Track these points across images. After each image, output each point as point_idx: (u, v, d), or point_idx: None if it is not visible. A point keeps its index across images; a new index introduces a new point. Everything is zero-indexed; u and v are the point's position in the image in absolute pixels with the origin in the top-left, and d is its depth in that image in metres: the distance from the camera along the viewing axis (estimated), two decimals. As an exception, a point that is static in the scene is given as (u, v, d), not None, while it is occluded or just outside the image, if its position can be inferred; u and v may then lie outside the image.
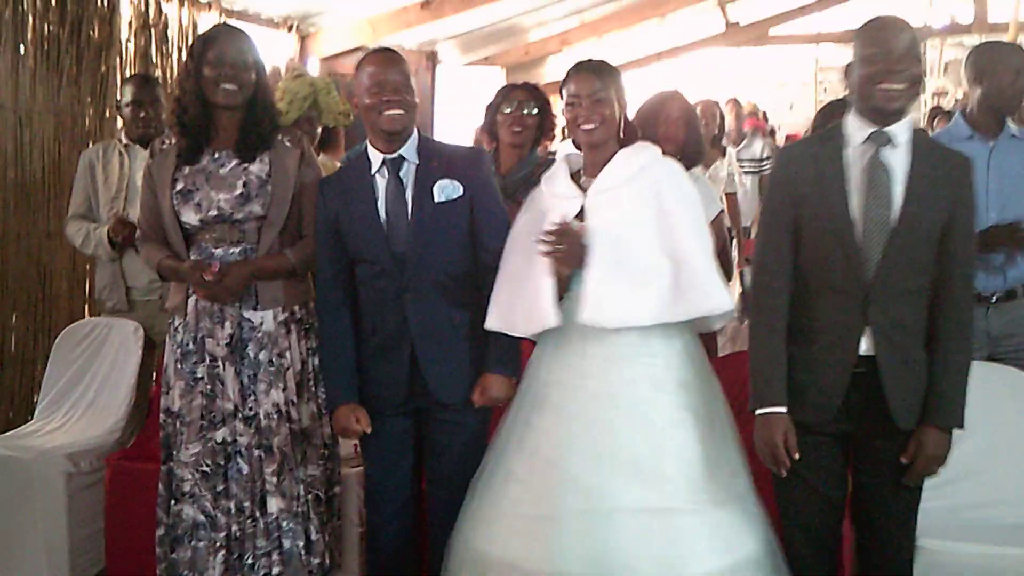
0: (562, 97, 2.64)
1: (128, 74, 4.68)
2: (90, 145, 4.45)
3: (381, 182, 2.77)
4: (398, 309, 2.74)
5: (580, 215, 2.58)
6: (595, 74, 2.59)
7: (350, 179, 2.83)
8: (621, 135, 2.65)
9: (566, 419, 2.53)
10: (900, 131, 2.37)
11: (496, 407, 2.79)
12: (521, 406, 2.65)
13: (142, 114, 3.90)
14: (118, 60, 4.74)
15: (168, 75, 5.03)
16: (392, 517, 2.90)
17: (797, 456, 2.40)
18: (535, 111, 3.59)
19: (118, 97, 4.50)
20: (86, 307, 4.57)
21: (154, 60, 4.98)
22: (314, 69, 6.54)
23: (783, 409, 2.41)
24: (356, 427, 2.80)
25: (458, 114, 8.47)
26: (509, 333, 2.67)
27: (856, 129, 2.40)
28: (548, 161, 3.45)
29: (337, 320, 2.84)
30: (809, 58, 12.56)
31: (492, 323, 2.68)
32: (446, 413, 2.78)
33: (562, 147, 4.43)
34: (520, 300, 2.61)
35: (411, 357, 2.75)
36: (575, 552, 2.38)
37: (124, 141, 3.96)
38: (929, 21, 10.49)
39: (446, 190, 2.74)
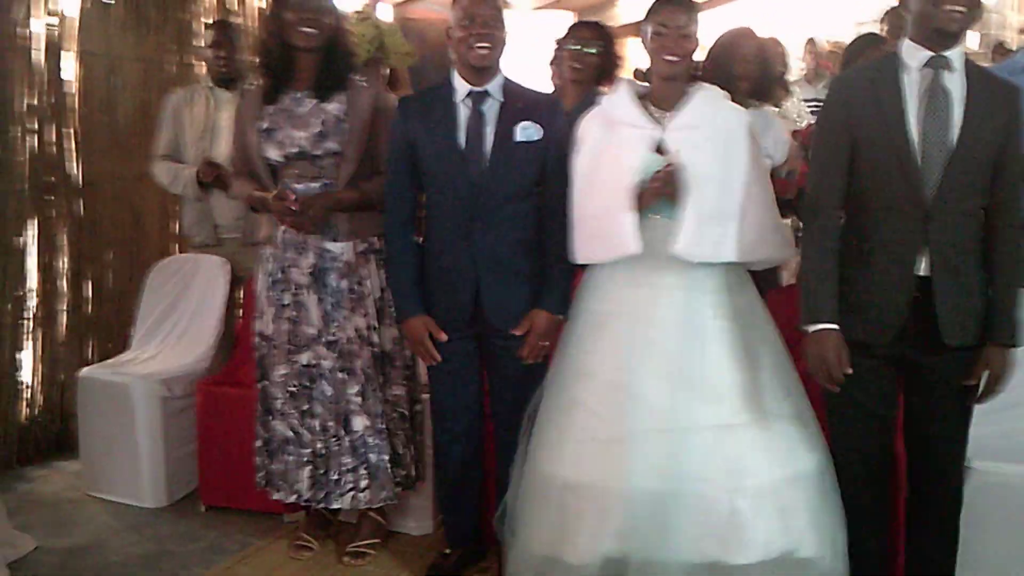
0: (642, 33, 2.68)
1: (207, 22, 4.84)
2: (175, 90, 4.66)
3: (463, 111, 2.84)
4: (466, 235, 2.83)
5: (660, 148, 2.65)
6: (684, 8, 2.64)
7: (432, 102, 2.89)
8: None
9: (634, 346, 2.62)
10: (956, 56, 2.40)
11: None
12: (577, 333, 2.75)
13: (222, 54, 4.07)
14: (198, 8, 4.89)
15: (245, 22, 5.19)
16: (459, 436, 3.04)
17: (850, 371, 2.45)
18: (595, 50, 3.57)
19: (199, 44, 4.71)
20: (175, 245, 4.79)
21: (231, 8, 5.12)
22: (386, 15, 6.63)
23: (835, 326, 2.46)
24: (428, 342, 2.89)
25: (528, 59, 8.50)
26: (590, 262, 2.76)
27: (912, 54, 2.42)
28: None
29: (403, 237, 2.93)
30: None
31: (577, 256, 2.77)
32: (506, 339, 2.88)
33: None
34: (599, 228, 2.69)
35: (475, 284, 2.85)
36: (649, 468, 2.49)
37: (209, 84, 4.14)
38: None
39: (527, 131, 2.82)
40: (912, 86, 2.42)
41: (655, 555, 2.47)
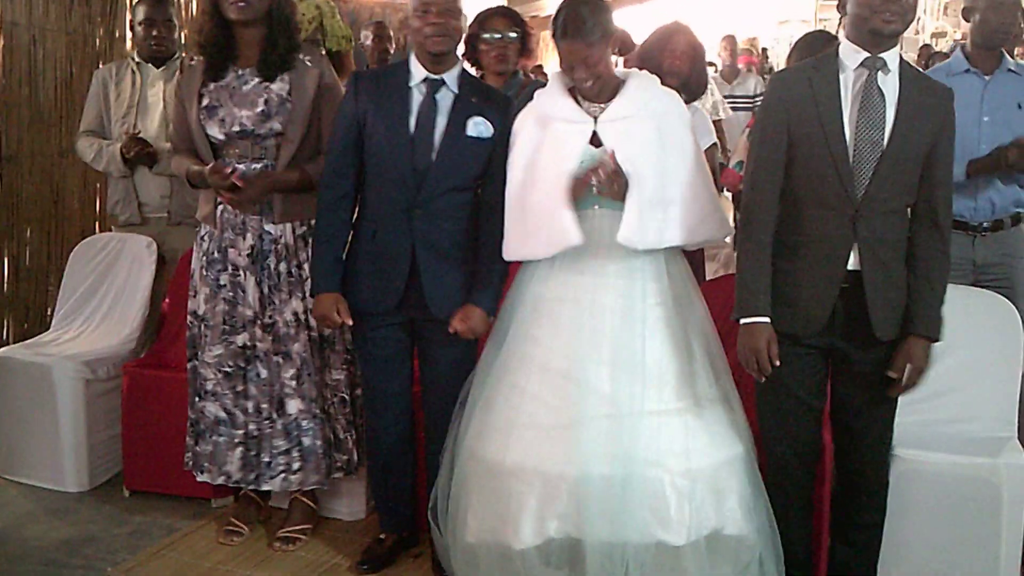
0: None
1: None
2: (100, 64, 4.52)
3: (417, 96, 2.83)
4: (406, 222, 2.83)
5: (594, 139, 2.68)
6: (582, 39, 2.61)
7: (386, 83, 2.88)
8: (616, 64, 2.76)
9: (579, 333, 2.67)
10: (891, 58, 2.49)
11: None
12: (517, 320, 2.77)
13: (154, 32, 3.94)
14: (128, -19, 4.79)
15: (177, -2, 5.10)
16: (391, 422, 3.04)
17: (778, 363, 2.53)
18: (515, 35, 3.55)
19: (128, 17, 4.59)
20: (96, 224, 4.68)
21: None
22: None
23: (767, 319, 2.54)
24: (335, 317, 2.87)
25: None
26: (527, 259, 2.78)
27: (849, 55, 2.50)
28: (534, 83, 3.50)
29: (334, 213, 2.90)
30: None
31: (510, 254, 2.79)
32: (438, 326, 2.88)
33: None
34: (537, 223, 2.71)
35: (411, 270, 2.84)
36: (599, 453, 2.55)
37: (136, 60, 4.04)
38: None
39: (479, 127, 2.83)
40: (848, 85, 2.49)
41: (607, 537, 2.53)
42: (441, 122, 2.83)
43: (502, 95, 3.06)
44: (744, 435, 2.69)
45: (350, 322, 2.89)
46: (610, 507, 2.52)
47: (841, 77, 2.50)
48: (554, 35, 2.67)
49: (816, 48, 3.42)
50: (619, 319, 2.66)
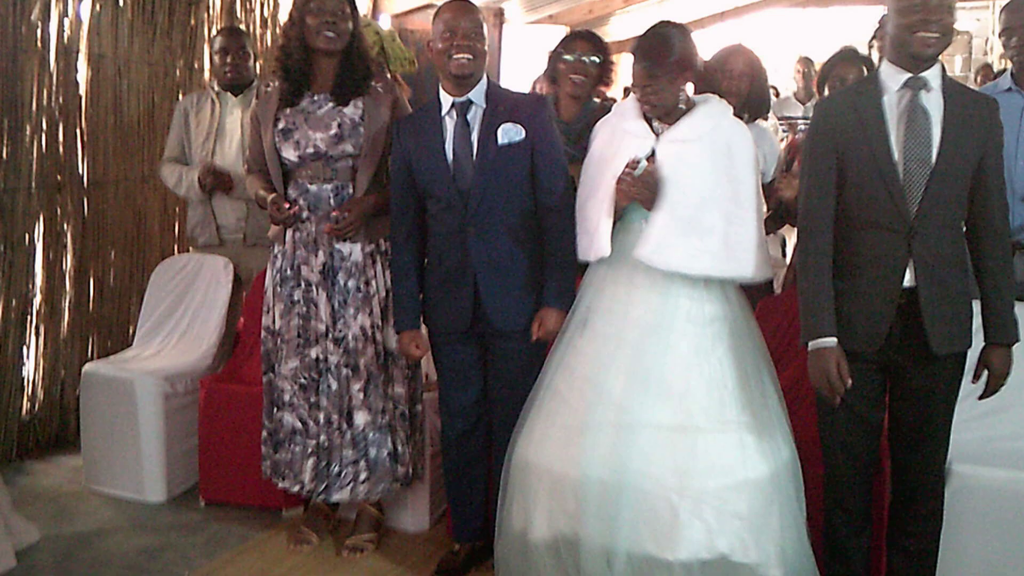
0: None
1: (215, 28, 4.93)
2: (180, 95, 4.73)
3: (450, 123, 2.96)
4: (461, 243, 2.94)
5: (651, 157, 2.75)
6: (654, 59, 2.71)
7: (422, 119, 3.02)
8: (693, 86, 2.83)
9: (606, 341, 2.75)
10: (933, 76, 2.54)
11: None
12: (567, 330, 2.86)
13: (228, 59, 4.14)
14: (206, 15, 4.98)
15: (251, 29, 5.28)
16: (464, 433, 3.15)
17: (850, 383, 2.54)
18: (596, 60, 3.55)
19: (206, 49, 4.80)
20: (176, 246, 4.87)
21: (238, 15, 5.21)
22: (385, 25, 6.75)
23: (834, 341, 2.56)
24: (416, 352, 3.07)
25: (523, 72, 8.62)
26: (584, 260, 2.87)
27: (892, 76, 2.55)
28: (607, 107, 3.49)
29: (404, 251, 3.07)
30: (873, 19, 12.45)
31: (579, 253, 2.89)
32: (505, 340, 2.98)
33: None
34: (583, 229, 2.85)
35: (474, 287, 2.95)
36: (599, 458, 2.61)
37: (216, 89, 4.23)
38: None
39: (509, 133, 2.92)
40: (892, 107, 2.54)
41: (601, 541, 2.58)
42: (475, 140, 2.93)
43: (531, 96, 3.14)
44: (773, 461, 2.66)
45: (424, 353, 3.09)
46: (605, 512, 2.57)
47: (885, 99, 2.55)
48: (633, 58, 2.76)
49: (835, 67, 3.49)
50: (644, 331, 2.71)
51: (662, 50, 2.72)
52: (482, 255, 2.94)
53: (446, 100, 2.96)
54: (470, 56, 2.88)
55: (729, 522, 2.56)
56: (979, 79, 8.32)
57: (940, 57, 2.56)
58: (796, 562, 2.64)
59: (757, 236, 2.75)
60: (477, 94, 2.95)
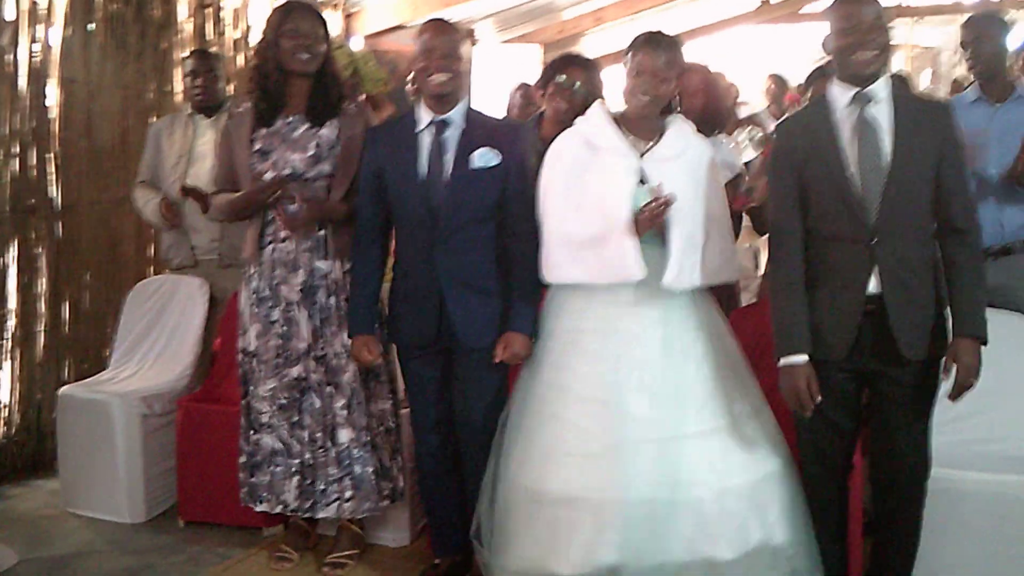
0: (624, 62, 2.84)
1: (186, 51, 4.94)
2: (154, 117, 4.74)
3: (426, 140, 2.98)
4: (428, 259, 2.97)
5: (641, 178, 2.79)
6: (664, 50, 2.78)
7: (397, 132, 3.05)
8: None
9: (606, 361, 2.78)
10: (879, 89, 2.61)
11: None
12: (552, 350, 2.88)
13: (199, 82, 4.16)
14: (176, 37, 5.01)
15: (222, 51, 5.31)
16: (436, 448, 3.16)
17: (819, 399, 2.61)
18: (584, 92, 3.54)
19: (177, 72, 4.81)
20: (151, 268, 4.86)
21: (209, 38, 5.23)
22: (358, 46, 6.79)
23: (804, 358, 2.61)
24: (367, 356, 3.08)
25: (495, 91, 8.66)
26: (575, 282, 2.86)
27: (840, 94, 2.64)
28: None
29: (366, 259, 3.10)
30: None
31: (554, 275, 2.88)
32: (470, 356, 3.00)
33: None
34: (596, 251, 2.79)
35: (439, 304, 2.97)
36: (641, 477, 2.65)
37: (189, 111, 4.24)
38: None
39: (484, 157, 2.95)
40: (843, 122, 2.62)
41: (651, 560, 2.61)
42: (450, 160, 2.96)
43: (514, 123, 3.19)
44: (780, 449, 2.80)
45: (380, 360, 3.11)
46: (657, 529, 2.61)
47: (836, 115, 2.63)
48: (631, 49, 2.81)
49: (813, 84, 3.59)
50: (654, 347, 2.77)
51: (676, 43, 2.82)
52: (450, 272, 2.96)
53: (424, 117, 2.99)
54: (448, 75, 2.92)
55: (764, 513, 2.70)
56: (951, 92, 8.45)
57: (909, 70, 2.63)
58: (809, 543, 2.76)
59: (730, 241, 2.99)
60: (456, 114, 2.99)
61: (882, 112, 2.60)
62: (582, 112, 3.61)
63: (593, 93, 3.60)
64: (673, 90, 2.84)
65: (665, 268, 2.74)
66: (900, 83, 3.24)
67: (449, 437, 3.16)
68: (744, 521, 2.67)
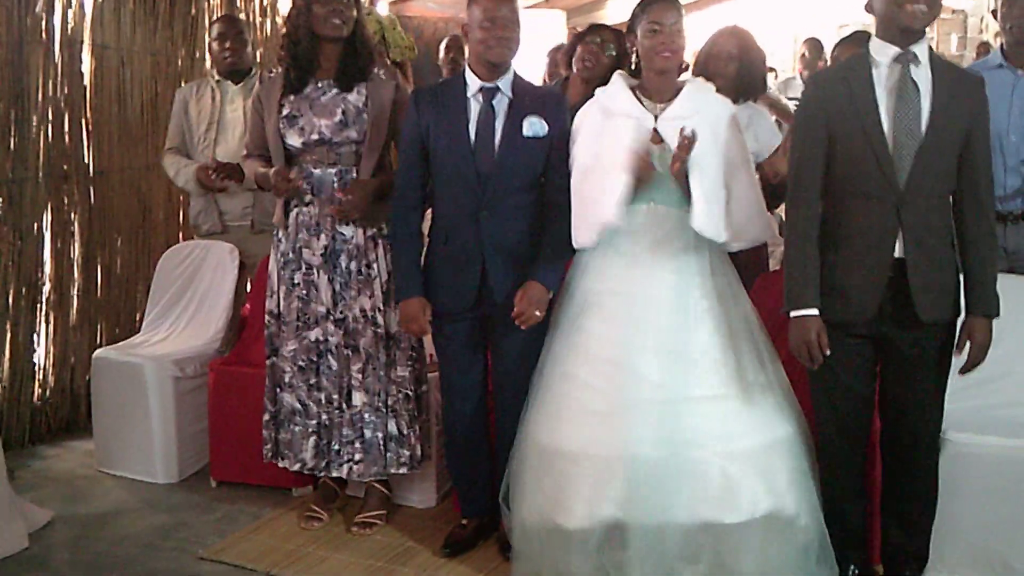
0: (634, 27, 2.86)
1: (215, 17, 4.98)
2: (182, 83, 4.79)
3: (475, 106, 3.00)
4: (474, 224, 3.00)
5: (653, 138, 2.81)
6: (674, 5, 2.82)
7: (445, 96, 3.05)
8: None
9: (625, 323, 2.81)
10: (921, 51, 2.59)
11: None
12: (572, 311, 2.92)
13: (227, 45, 4.19)
14: (206, 4, 5.03)
15: (250, 18, 5.33)
16: (467, 412, 3.20)
17: (828, 352, 2.63)
18: (613, 53, 3.66)
19: (206, 38, 4.85)
20: (180, 234, 4.94)
21: (238, 4, 5.25)
22: (383, 12, 6.80)
23: (815, 311, 2.64)
24: (423, 320, 3.05)
25: (521, 56, 8.64)
26: (585, 247, 2.89)
27: (881, 51, 2.61)
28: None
29: (405, 222, 3.10)
30: (869, 0, 12.47)
31: (575, 241, 2.90)
32: (508, 320, 3.00)
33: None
34: (593, 209, 2.83)
35: (481, 270, 3.01)
36: (646, 437, 2.68)
37: (216, 77, 4.28)
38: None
39: (534, 126, 2.98)
40: (882, 80, 2.60)
41: (653, 519, 2.65)
42: (499, 126, 2.98)
43: (555, 92, 3.21)
44: (793, 419, 2.80)
45: (428, 329, 3.09)
46: (658, 488, 2.64)
47: (875, 73, 2.60)
48: (643, 10, 2.83)
49: (848, 48, 3.55)
50: (668, 311, 2.79)
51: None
52: (494, 238, 2.99)
53: (473, 82, 3.00)
54: (509, 47, 2.93)
55: (771, 480, 2.70)
56: (977, 57, 8.36)
57: (935, 35, 2.63)
58: (819, 513, 2.76)
59: (757, 200, 2.90)
60: (505, 83, 3.00)
61: (922, 75, 2.59)
62: (606, 79, 3.69)
63: (621, 60, 3.63)
64: (685, 45, 2.85)
65: (691, 215, 2.74)
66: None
67: (478, 402, 3.20)
68: (750, 486, 2.66)
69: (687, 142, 2.69)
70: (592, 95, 3.55)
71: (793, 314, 2.66)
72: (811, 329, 2.63)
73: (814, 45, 7.81)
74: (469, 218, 3.00)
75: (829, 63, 3.89)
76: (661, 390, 2.72)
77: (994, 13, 3.54)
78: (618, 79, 2.96)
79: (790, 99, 7.31)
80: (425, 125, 3.02)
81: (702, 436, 2.68)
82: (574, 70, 3.70)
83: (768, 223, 2.95)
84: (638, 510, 2.66)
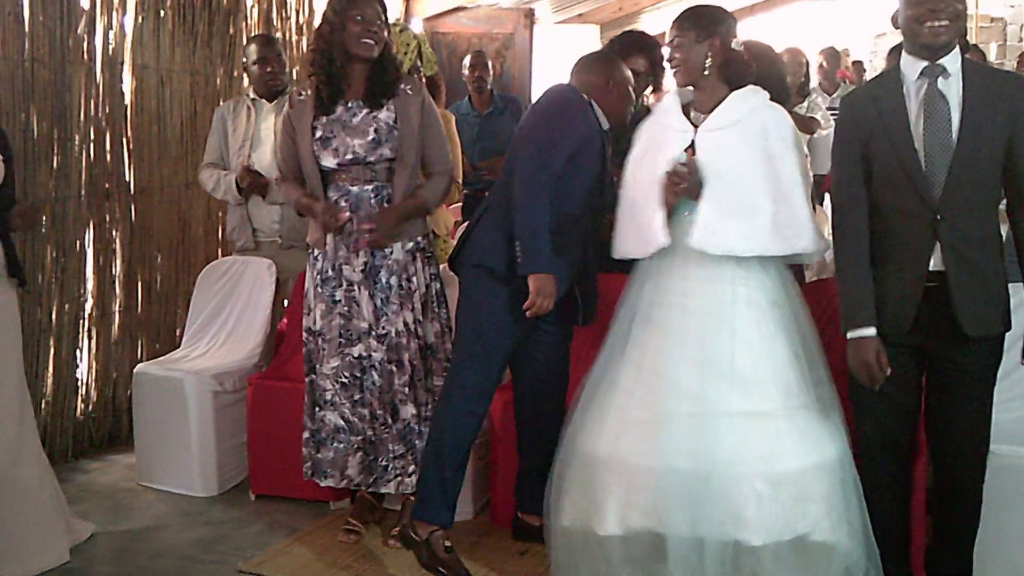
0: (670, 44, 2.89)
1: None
2: (220, 102, 4.85)
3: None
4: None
5: (691, 148, 2.81)
6: (676, 23, 2.85)
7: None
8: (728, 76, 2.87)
9: (669, 334, 2.80)
10: (950, 62, 2.57)
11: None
12: (623, 323, 2.92)
13: (268, 69, 4.23)
14: (244, 24, 5.12)
15: (287, 37, 5.41)
16: (479, 417, 3.23)
17: (890, 372, 2.60)
18: (641, 68, 3.62)
19: (243, 58, 4.91)
20: (219, 250, 5.00)
21: (275, 23, 5.34)
22: (417, 28, 6.85)
23: (873, 331, 2.61)
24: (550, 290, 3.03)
25: (553, 72, 8.66)
26: (627, 257, 2.92)
27: (910, 66, 2.60)
28: (649, 111, 3.56)
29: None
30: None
31: (618, 251, 2.95)
32: (541, 330, 3.10)
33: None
34: (634, 225, 2.88)
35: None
36: (682, 449, 2.66)
37: (252, 96, 4.33)
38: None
39: None
40: (911, 96, 2.59)
41: (686, 532, 2.62)
42: None
43: None
44: (838, 442, 2.71)
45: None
46: (690, 502, 2.62)
47: (904, 89, 2.60)
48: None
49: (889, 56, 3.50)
50: (708, 322, 2.75)
51: (687, 12, 2.85)
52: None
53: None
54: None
55: (808, 504, 2.63)
56: (1017, 65, 8.29)
57: (972, 42, 2.59)
58: (864, 537, 2.69)
59: (805, 213, 2.77)
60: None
61: (952, 86, 2.57)
62: (646, 88, 3.70)
63: (657, 73, 3.67)
64: (707, 58, 2.82)
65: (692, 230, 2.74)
66: (975, 54, 3.17)
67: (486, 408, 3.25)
68: (783, 510, 2.60)
69: (675, 178, 2.72)
70: (633, 118, 3.52)
71: (850, 335, 2.64)
72: (870, 349, 2.61)
73: (831, 54, 7.81)
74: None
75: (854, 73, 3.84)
76: (699, 403, 2.70)
77: None
78: (670, 94, 2.98)
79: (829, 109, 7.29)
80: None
81: (739, 454, 2.64)
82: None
83: (818, 235, 2.83)
84: (670, 522, 2.64)
